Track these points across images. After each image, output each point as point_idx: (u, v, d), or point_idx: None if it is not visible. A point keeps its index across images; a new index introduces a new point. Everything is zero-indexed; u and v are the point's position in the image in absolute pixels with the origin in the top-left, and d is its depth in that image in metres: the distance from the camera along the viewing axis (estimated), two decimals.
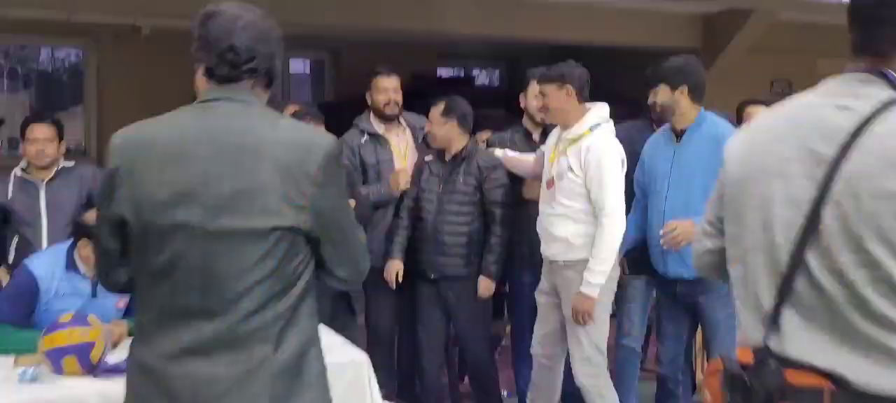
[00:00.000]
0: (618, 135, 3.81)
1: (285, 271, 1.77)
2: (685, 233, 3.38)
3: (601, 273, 3.61)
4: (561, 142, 3.75)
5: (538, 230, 3.86)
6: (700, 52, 7.60)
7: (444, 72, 10.06)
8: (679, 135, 3.68)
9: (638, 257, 3.90)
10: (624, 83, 5.65)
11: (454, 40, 9.00)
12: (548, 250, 3.81)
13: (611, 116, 3.78)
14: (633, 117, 4.32)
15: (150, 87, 7.35)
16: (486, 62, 10.69)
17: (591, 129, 3.68)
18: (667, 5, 7.45)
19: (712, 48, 7.59)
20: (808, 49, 7.76)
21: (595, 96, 3.82)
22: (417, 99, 4.94)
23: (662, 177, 3.70)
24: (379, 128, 4.44)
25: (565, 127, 3.75)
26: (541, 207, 3.84)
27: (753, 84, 7.45)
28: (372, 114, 4.46)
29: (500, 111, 7.70)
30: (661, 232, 3.52)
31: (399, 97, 4.45)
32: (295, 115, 3.87)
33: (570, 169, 3.65)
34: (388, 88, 4.40)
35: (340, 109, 5.44)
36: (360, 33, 7.91)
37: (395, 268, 4.23)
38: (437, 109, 4.19)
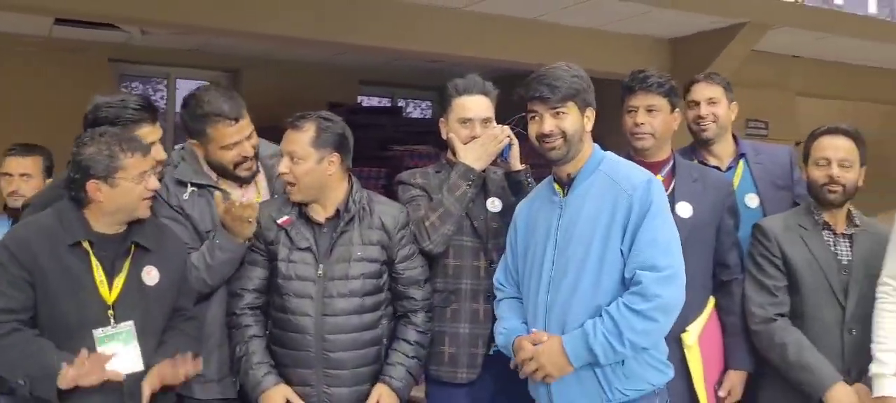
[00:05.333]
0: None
1: None
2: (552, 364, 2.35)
3: None
4: None
5: None
6: None
7: (367, 101, 8.77)
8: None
9: None
10: None
11: (378, 65, 7.77)
12: None
13: None
14: None
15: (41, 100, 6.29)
16: (415, 92, 9.42)
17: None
18: (628, 26, 6.32)
19: (679, 79, 6.44)
20: (788, 85, 6.82)
21: None
22: None
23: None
24: (211, 173, 2.79)
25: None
26: None
27: None
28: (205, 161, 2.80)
29: (428, 146, 6.68)
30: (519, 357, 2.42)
31: (251, 146, 2.78)
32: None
33: None
34: (238, 139, 2.73)
35: None
36: (265, 51, 6.64)
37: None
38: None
